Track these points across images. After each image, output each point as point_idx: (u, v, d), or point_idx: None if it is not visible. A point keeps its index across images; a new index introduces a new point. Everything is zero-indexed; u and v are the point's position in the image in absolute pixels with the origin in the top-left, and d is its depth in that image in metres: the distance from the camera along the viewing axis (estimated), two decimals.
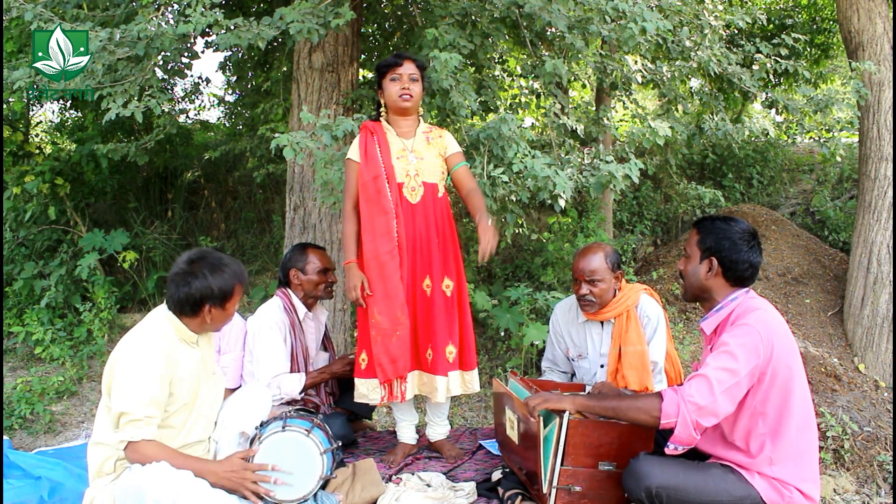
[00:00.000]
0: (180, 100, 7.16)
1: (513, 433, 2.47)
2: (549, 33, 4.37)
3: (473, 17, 3.98)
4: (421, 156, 2.74)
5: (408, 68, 2.70)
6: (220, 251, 2.37)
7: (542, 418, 2.23)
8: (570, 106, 5.27)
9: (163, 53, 3.69)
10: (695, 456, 2.16)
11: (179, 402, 2.23)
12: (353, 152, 2.76)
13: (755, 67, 4.16)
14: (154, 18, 3.43)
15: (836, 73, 7.78)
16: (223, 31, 3.31)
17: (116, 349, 2.22)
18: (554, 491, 2.21)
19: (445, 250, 2.76)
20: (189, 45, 4.14)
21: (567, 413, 2.17)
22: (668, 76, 4.29)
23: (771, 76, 4.27)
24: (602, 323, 2.98)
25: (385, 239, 2.63)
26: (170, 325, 2.26)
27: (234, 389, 2.73)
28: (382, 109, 2.81)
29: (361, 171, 2.71)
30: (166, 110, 5.97)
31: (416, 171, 2.71)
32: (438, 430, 2.98)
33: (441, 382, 2.69)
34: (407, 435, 2.94)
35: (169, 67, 4.61)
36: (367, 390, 2.72)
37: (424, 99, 3.37)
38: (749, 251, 2.13)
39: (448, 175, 2.84)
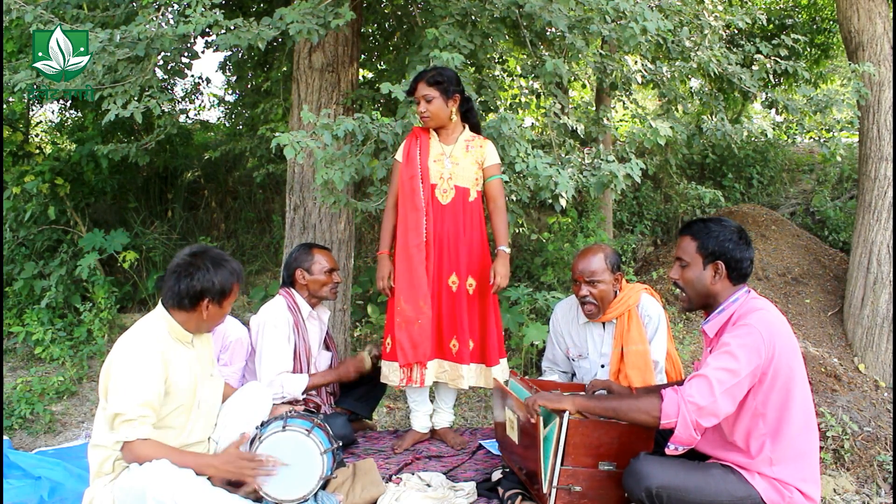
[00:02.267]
0: (180, 100, 7.15)
1: (513, 433, 2.47)
2: (549, 33, 4.37)
3: (473, 17, 3.97)
4: (457, 161, 2.93)
5: (421, 90, 2.88)
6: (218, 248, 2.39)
7: (542, 418, 2.24)
8: (570, 106, 5.28)
9: (163, 54, 3.68)
10: (695, 456, 2.16)
11: (176, 402, 2.23)
12: (399, 153, 3.00)
13: (755, 68, 4.16)
14: (154, 19, 3.43)
15: (836, 73, 7.78)
16: (223, 32, 3.31)
17: (112, 351, 2.23)
18: (554, 491, 2.21)
19: (472, 251, 2.95)
20: (189, 45, 4.13)
21: (567, 413, 2.17)
22: (668, 76, 4.28)
23: (771, 76, 4.27)
24: (603, 323, 2.99)
25: (414, 233, 2.86)
26: (164, 324, 2.27)
27: None
28: None
29: (402, 170, 2.93)
30: (166, 110, 5.97)
31: (449, 175, 2.92)
32: (444, 418, 3.15)
33: (466, 371, 2.91)
34: (420, 423, 3.08)
35: (169, 68, 4.60)
36: (388, 371, 2.94)
37: None
38: (747, 248, 2.16)
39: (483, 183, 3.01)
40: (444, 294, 2.91)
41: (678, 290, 2.26)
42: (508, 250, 2.96)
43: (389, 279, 2.91)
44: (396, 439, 3.06)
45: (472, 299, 2.94)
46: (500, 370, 3.00)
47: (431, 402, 3.15)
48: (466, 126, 3.03)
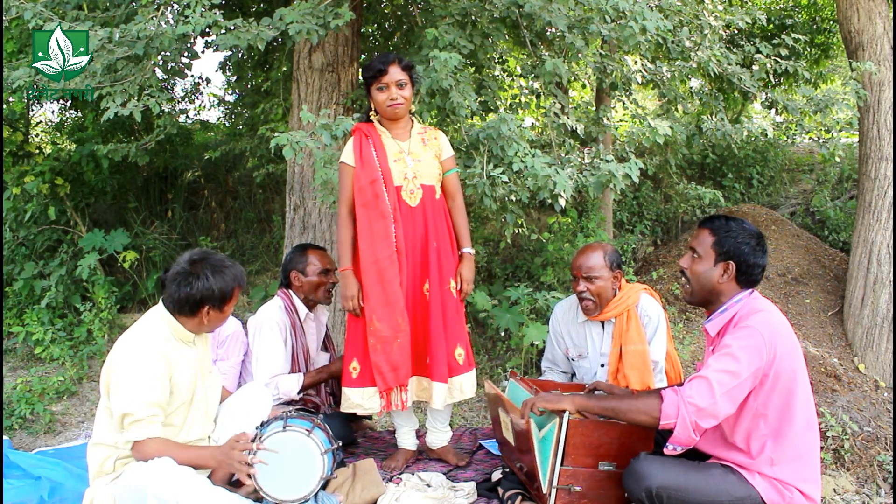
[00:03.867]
0: (180, 100, 7.16)
1: (508, 434, 2.47)
2: (549, 33, 4.37)
3: (473, 17, 3.97)
4: (418, 158, 2.69)
5: (393, 75, 2.60)
6: (220, 252, 2.38)
7: (532, 420, 2.23)
8: (570, 106, 5.27)
9: (162, 53, 3.68)
10: (695, 456, 2.16)
11: (178, 400, 2.24)
12: (347, 156, 2.68)
13: (755, 67, 4.16)
14: (154, 18, 3.43)
15: (836, 73, 7.78)
16: (223, 32, 3.31)
17: (114, 350, 2.23)
18: (554, 491, 2.21)
19: (445, 252, 2.71)
20: (189, 45, 4.14)
21: (567, 413, 2.17)
22: (668, 76, 4.29)
23: (771, 76, 4.27)
24: (602, 323, 2.98)
25: (384, 244, 2.58)
26: (166, 324, 2.27)
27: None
28: (373, 112, 2.74)
29: (357, 175, 2.63)
30: (166, 110, 5.96)
31: (413, 174, 2.66)
32: (440, 437, 2.90)
33: (438, 389, 2.63)
34: (407, 441, 2.89)
35: (169, 67, 4.61)
36: (361, 399, 2.65)
37: (424, 99, 3.37)
38: (763, 255, 2.15)
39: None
40: (418, 305, 2.66)
41: (683, 278, 2.24)
42: (472, 252, 2.78)
43: (359, 298, 2.62)
44: (387, 461, 2.83)
45: (451, 304, 2.69)
46: (470, 377, 2.74)
47: (417, 412, 3.01)
48: (414, 119, 2.79)
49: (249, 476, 2.16)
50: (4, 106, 5.71)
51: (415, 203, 2.66)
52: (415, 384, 2.70)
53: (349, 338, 2.72)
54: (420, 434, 3.04)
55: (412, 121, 2.79)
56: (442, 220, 2.73)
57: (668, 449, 2.03)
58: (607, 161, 3.40)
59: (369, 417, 3.42)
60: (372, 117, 2.75)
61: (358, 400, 2.66)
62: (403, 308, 2.58)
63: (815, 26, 7.21)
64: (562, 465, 2.19)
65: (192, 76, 7.98)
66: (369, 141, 2.67)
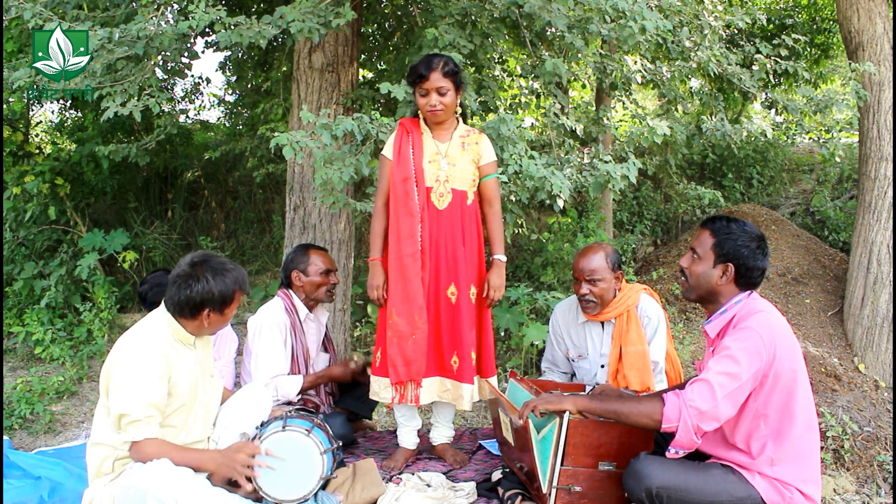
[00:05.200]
0: (180, 100, 7.16)
1: (508, 434, 2.48)
2: (549, 33, 4.37)
3: (473, 17, 3.97)
4: (453, 162, 2.69)
5: (434, 81, 2.58)
6: (220, 253, 2.38)
7: (531, 420, 2.24)
8: (570, 106, 5.27)
9: (162, 53, 3.68)
10: (695, 456, 2.16)
11: (178, 402, 2.24)
12: (388, 150, 2.73)
13: (755, 68, 4.16)
14: (154, 18, 3.43)
15: (836, 73, 7.78)
16: (224, 30, 3.31)
17: (114, 350, 2.23)
18: (554, 491, 2.21)
19: (471, 258, 2.73)
20: (189, 44, 4.13)
21: (567, 413, 2.17)
22: (668, 76, 4.29)
23: (771, 76, 4.27)
24: (602, 323, 2.98)
25: (409, 241, 2.62)
26: (167, 325, 2.27)
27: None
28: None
29: (393, 170, 2.68)
30: (166, 110, 5.96)
31: (446, 177, 2.67)
32: (443, 433, 2.94)
33: (467, 390, 2.68)
34: (408, 440, 2.90)
35: (169, 67, 4.61)
36: (378, 388, 2.73)
37: None
38: (763, 258, 2.14)
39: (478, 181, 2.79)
40: (442, 307, 2.69)
41: (682, 277, 2.25)
42: (504, 259, 2.78)
43: (384, 289, 2.69)
44: (387, 460, 2.85)
45: (474, 309, 2.73)
46: (495, 383, 2.81)
47: (420, 413, 3.00)
48: (459, 120, 2.78)
49: (249, 479, 2.17)
50: (4, 106, 5.71)
51: (442, 206, 2.67)
52: (436, 385, 2.73)
53: (379, 327, 2.77)
54: (421, 433, 3.04)
55: (457, 121, 2.77)
56: (471, 226, 2.74)
57: (671, 453, 2.03)
58: (605, 162, 3.40)
59: (369, 417, 3.42)
60: (420, 113, 2.75)
61: (376, 388, 2.73)
62: (422, 306, 2.62)
63: (815, 26, 7.22)
64: (562, 465, 2.19)
65: (192, 76, 7.99)
66: (409, 138, 2.70)
